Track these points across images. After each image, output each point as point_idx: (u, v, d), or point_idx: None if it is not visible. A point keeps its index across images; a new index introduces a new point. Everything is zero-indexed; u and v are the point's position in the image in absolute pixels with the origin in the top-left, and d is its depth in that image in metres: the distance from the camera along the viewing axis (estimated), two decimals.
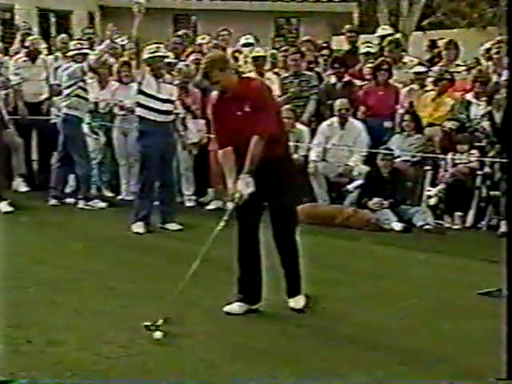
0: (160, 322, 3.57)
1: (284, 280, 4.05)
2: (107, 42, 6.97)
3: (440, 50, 7.74)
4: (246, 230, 3.94)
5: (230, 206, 3.86)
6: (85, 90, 7.04)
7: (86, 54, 7.09)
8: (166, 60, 6.67)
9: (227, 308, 3.98)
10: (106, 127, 7.69)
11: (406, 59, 7.76)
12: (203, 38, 8.66)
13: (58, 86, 7.93)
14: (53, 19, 14.21)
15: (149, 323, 3.54)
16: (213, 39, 8.62)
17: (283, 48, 8.27)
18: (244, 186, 3.74)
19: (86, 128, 7.42)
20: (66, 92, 7.03)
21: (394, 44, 7.68)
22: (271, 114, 3.84)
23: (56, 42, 8.81)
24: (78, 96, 6.98)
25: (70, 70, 7.02)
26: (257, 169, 3.76)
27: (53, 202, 7.18)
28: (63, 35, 9.04)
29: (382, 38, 8.03)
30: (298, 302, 4.03)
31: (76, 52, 7.19)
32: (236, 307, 3.99)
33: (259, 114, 3.76)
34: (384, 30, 8.48)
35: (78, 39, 8.42)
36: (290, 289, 4.06)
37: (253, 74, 7.39)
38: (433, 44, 7.99)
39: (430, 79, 7.27)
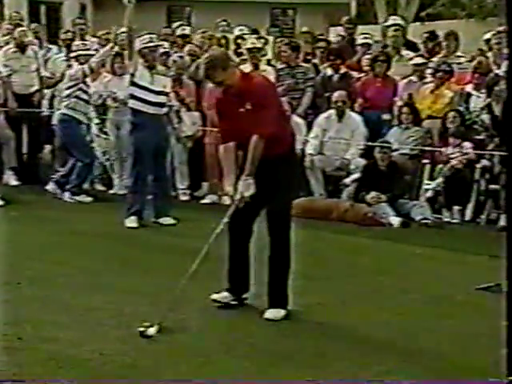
0: (155, 327, 3.50)
1: (267, 288, 3.86)
2: (111, 44, 6.99)
3: (439, 41, 7.67)
4: (239, 225, 3.85)
5: (230, 209, 3.78)
6: (85, 92, 7.07)
7: (90, 55, 7.09)
8: (161, 50, 6.59)
9: (215, 296, 3.96)
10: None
11: (404, 52, 7.69)
12: (183, 29, 8.46)
13: (49, 78, 7.86)
14: (43, 10, 14.10)
15: (143, 329, 3.47)
16: (201, 30, 8.48)
17: (279, 39, 8.19)
18: (245, 188, 3.70)
19: (95, 129, 7.39)
20: (66, 92, 7.08)
21: (400, 32, 7.61)
22: (273, 112, 3.78)
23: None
24: (77, 97, 7.02)
25: (72, 72, 7.07)
26: (258, 167, 3.71)
27: (51, 187, 7.08)
28: (35, 24, 8.94)
29: (389, 27, 7.91)
30: (275, 313, 3.80)
31: (79, 53, 7.18)
32: (223, 296, 3.97)
33: (260, 113, 3.70)
34: (395, 20, 8.35)
35: (67, 31, 8.34)
36: (273, 298, 3.84)
37: (248, 65, 7.33)
38: (431, 35, 7.92)
39: (429, 71, 7.21)
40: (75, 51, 7.25)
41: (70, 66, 7.66)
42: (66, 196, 7.03)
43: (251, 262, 3.99)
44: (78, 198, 7.02)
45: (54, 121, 7.68)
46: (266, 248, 3.92)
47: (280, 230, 3.83)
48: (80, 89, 7.00)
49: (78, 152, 7.01)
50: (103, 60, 7.05)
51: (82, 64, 7.03)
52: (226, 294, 3.98)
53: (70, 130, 7.01)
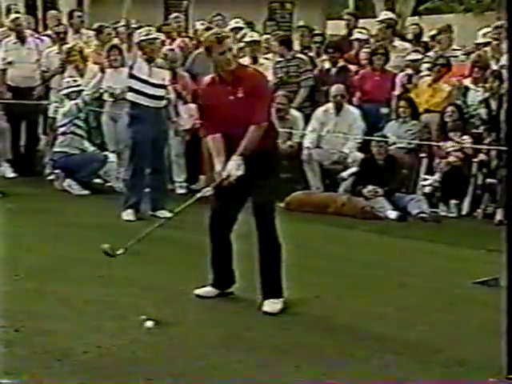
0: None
1: (260, 280, 3.86)
2: (99, 75, 7.11)
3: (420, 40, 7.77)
4: (220, 220, 3.85)
5: (216, 181, 3.75)
6: (79, 126, 7.12)
7: (81, 90, 7.13)
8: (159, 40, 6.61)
9: (198, 291, 3.97)
10: (95, 112, 7.57)
11: (397, 43, 7.70)
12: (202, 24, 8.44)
13: (45, 72, 7.82)
14: (40, 2, 14.02)
15: (106, 246, 3.45)
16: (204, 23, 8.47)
17: (275, 33, 8.19)
18: (234, 168, 3.67)
19: (105, 117, 7.40)
20: (60, 130, 7.13)
21: (384, 25, 7.64)
22: (266, 103, 3.80)
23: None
24: (72, 133, 7.09)
25: (65, 109, 7.11)
26: (245, 159, 3.70)
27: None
28: (25, 16, 8.88)
29: (381, 22, 7.95)
30: (273, 305, 3.80)
31: (70, 90, 7.18)
32: (207, 290, 3.98)
33: (257, 103, 3.70)
34: (386, 15, 8.39)
35: (59, 24, 8.27)
36: (267, 290, 3.84)
37: (247, 59, 7.31)
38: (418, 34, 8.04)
39: (425, 65, 7.21)
40: (66, 88, 7.22)
41: (64, 63, 7.63)
42: (66, 182, 7.04)
43: (236, 256, 3.98)
44: (76, 188, 7.02)
45: (50, 113, 7.67)
46: (250, 241, 3.90)
47: (267, 223, 3.83)
48: (75, 124, 7.07)
49: (81, 174, 7.04)
50: (95, 93, 7.15)
51: (73, 100, 7.08)
52: (209, 288, 3.99)
53: (66, 163, 7.08)
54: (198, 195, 3.82)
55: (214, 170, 3.80)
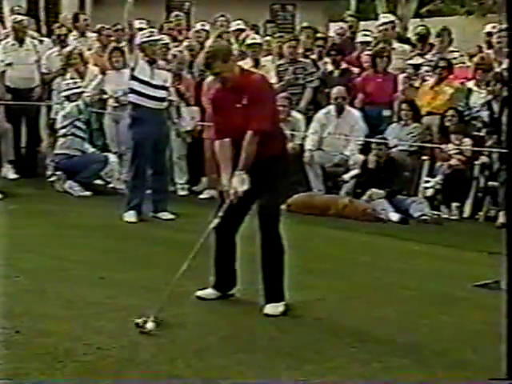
0: (151, 320, 3.49)
1: (262, 283, 3.87)
2: (100, 77, 7.15)
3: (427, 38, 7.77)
4: (227, 222, 3.82)
5: (225, 203, 3.77)
6: (80, 128, 7.12)
7: (81, 92, 7.14)
8: (162, 42, 6.61)
9: (199, 293, 3.97)
10: (97, 114, 7.58)
11: (395, 45, 7.70)
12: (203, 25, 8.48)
13: (46, 74, 7.82)
14: (42, 4, 14.03)
15: (139, 321, 3.47)
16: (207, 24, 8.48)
17: (278, 35, 8.20)
18: (239, 183, 3.70)
19: (107, 118, 7.41)
20: (61, 132, 7.14)
21: (386, 27, 7.66)
22: (268, 110, 3.80)
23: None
24: (73, 135, 7.09)
25: (66, 111, 7.11)
26: (251, 166, 3.71)
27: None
28: (25, 17, 8.91)
29: (381, 25, 7.96)
30: (274, 308, 3.80)
31: (70, 92, 7.19)
32: (208, 292, 3.99)
33: (256, 109, 3.71)
34: (386, 17, 8.39)
35: (61, 26, 8.28)
36: (269, 293, 3.84)
37: (248, 61, 7.32)
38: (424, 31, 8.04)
39: (425, 67, 7.22)
40: (65, 90, 7.21)
41: (65, 68, 7.63)
42: (67, 184, 7.04)
43: (239, 259, 3.99)
44: (77, 189, 7.02)
45: (52, 114, 7.69)
46: (253, 243, 3.90)
47: (271, 226, 3.83)
48: (75, 126, 7.07)
49: (82, 175, 7.03)
50: (95, 94, 7.19)
51: (73, 101, 7.09)
52: (210, 290, 4.00)
53: (67, 164, 7.07)
54: (207, 233, 3.80)
55: (221, 183, 3.81)
